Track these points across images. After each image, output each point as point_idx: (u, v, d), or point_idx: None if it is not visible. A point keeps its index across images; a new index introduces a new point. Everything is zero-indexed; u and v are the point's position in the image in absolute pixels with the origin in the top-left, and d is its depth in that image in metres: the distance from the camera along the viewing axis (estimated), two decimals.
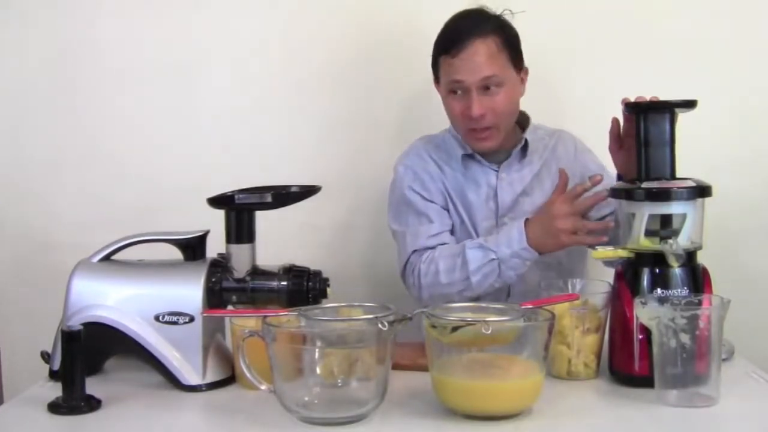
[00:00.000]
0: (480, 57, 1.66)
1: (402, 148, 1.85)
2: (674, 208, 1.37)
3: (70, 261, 1.47)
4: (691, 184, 1.37)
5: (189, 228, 1.48)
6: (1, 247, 2.12)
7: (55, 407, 1.28)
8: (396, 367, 1.27)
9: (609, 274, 1.44)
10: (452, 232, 1.77)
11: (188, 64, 2.10)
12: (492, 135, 1.72)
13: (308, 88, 2.10)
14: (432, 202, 1.76)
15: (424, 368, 1.29)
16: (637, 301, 1.29)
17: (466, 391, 1.21)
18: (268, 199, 1.43)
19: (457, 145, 1.79)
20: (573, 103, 2.08)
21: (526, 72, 1.77)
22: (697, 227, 1.39)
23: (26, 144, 2.12)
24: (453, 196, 1.78)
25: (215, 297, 1.41)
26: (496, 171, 1.78)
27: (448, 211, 1.78)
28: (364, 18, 2.05)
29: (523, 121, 1.82)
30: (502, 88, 1.68)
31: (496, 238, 1.63)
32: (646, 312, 1.27)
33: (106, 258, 1.47)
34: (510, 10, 1.74)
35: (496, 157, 1.78)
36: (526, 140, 1.77)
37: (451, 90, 1.70)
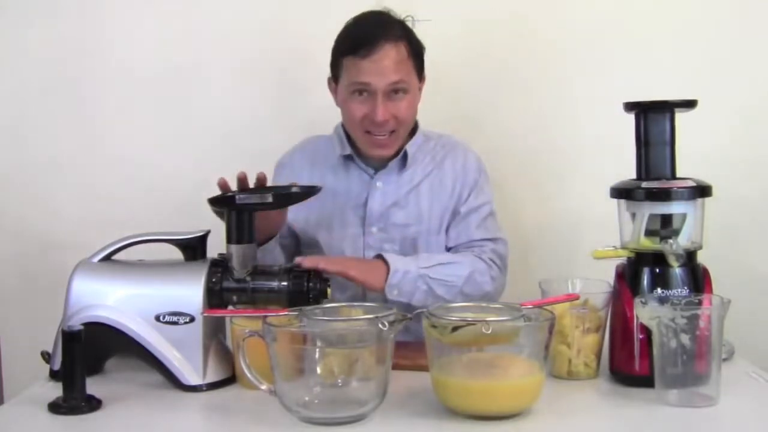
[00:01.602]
0: (390, 61, 1.63)
1: None
2: (674, 207, 1.38)
3: (71, 261, 1.47)
4: (691, 184, 1.37)
5: (189, 228, 1.48)
6: (1, 247, 2.12)
7: (55, 407, 1.28)
8: (396, 367, 1.27)
9: (609, 274, 1.44)
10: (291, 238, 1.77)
11: (189, 64, 2.10)
12: (391, 142, 1.70)
13: (309, 89, 2.09)
14: None
15: (424, 368, 1.29)
16: (637, 300, 1.29)
17: (466, 391, 1.21)
18: (269, 199, 1.43)
19: (339, 144, 1.76)
20: (573, 103, 2.08)
21: (424, 81, 1.74)
22: (697, 227, 1.39)
23: (26, 144, 2.12)
24: (310, 202, 1.67)
25: (216, 297, 1.41)
26: (371, 178, 1.75)
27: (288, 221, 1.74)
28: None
29: (411, 128, 1.77)
30: (407, 95, 1.67)
31: None
32: (647, 312, 1.27)
33: (107, 258, 1.47)
34: (412, 17, 1.72)
35: (376, 162, 1.75)
36: (405, 151, 1.73)
37: (354, 91, 1.66)
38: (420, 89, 1.74)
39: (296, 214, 1.75)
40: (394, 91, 1.65)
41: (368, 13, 1.70)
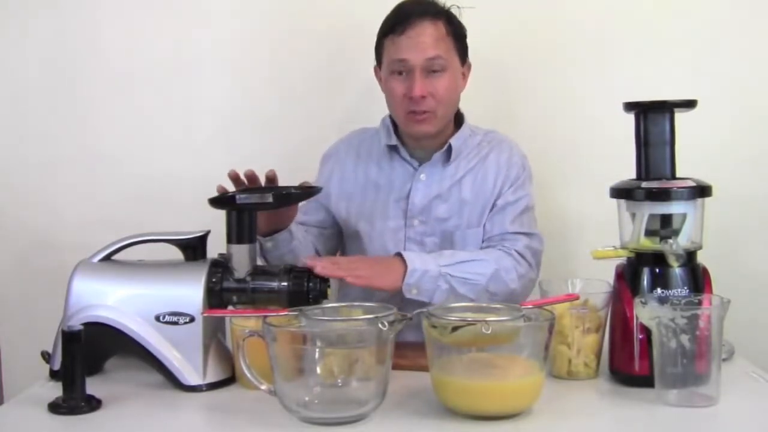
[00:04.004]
0: (427, 37, 1.65)
1: None
2: (674, 207, 1.38)
3: (71, 261, 1.47)
4: (691, 184, 1.37)
5: (189, 228, 1.48)
6: (1, 247, 2.12)
7: (55, 407, 1.28)
8: (396, 367, 1.27)
9: (609, 274, 1.44)
10: (325, 227, 1.81)
11: (189, 64, 2.10)
12: (430, 119, 1.69)
13: (309, 89, 2.09)
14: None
15: (424, 368, 1.29)
16: (637, 300, 1.29)
17: (466, 391, 1.21)
18: (269, 199, 1.43)
19: (385, 134, 1.78)
20: (573, 103, 2.07)
21: (469, 68, 1.77)
22: (697, 227, 1.39)
23: (26, 144, 2.12)
24: (353, 193, 1.78)
25: (216, 297, 1.41)
26: (415, 170, 1.76)
27: (328, 210, 1.80)
28: (368, 18, 2.05)
29: (458, 121, 1.78)
30: (446, 73, 1.67)
31: None
32: (647, 312, 1.27)
33: (107, 258, 1.47)
34: (458, 6, 1.74)
35: (422, 154, 1.75)
36: (449, 145, 1.73)
37: (394, 70, 1.68)
38: (464, 75, 1.75)
39: (338, 205, 1.79)
40: (433, 69, 1.66)
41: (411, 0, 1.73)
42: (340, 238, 1.86)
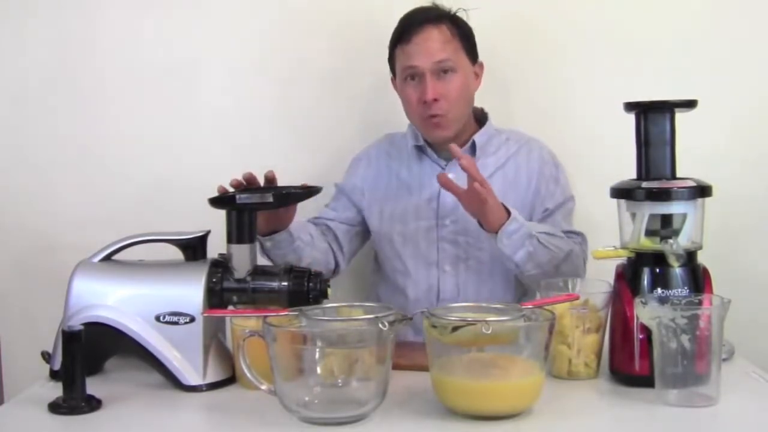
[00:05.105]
0: (433, 42, 1.70)
1: None
2: (674, 207, 1.38)
3: (71, 261, 1.47)
4: (691, 184, 1.37)
5: (190, 228, 1.48)
6: (1, 247, 2.12)
7: (55, 407, 1.28)
8: (396, 367, 1.27)
9: (609, 274, 1.44)
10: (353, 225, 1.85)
11: (189, 63, 2.10)
12: (446, 122, 1.72)
13: (310, 88, 2.09)
14: (345, 193, 1.84)
15: (424, 368, 1.29)
16: (637, 300, 1.29)
17: (466, 391, 1.21)
18: (269, 199, 1.43)
19: (412, 136, 1.81)
20: (573, 104, 2.07)
21: (481, 67, 1.79)
22: (697, 227, 1.39)
23: (26, 144, 2.12)
24: (386, 196, 1.81)
25: (216, 297, 1.41)
26: (443, 169, 1.77)
27: (359, 210, 1.84)
28: (364, 17, 2.05)
29: (481, 118, 1.82)
30: (456, 74, 1.71)
31: None
32: (647, 312, 1.27)
33: (107, 258, 1.47)
34: (464, 9, 1.78)
35: (448, 153, 1.74)
36: (473, 141, 1.77)
37: (407, 77, 1.73)
38: (477, 75, 1.79)
39: (370, 208, 1.83)
40: (443, 70, 1.70)
41: (415, 8, 1.78)
42: (363, 239, 1.89)
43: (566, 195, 1.80)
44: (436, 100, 1.69)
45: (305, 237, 1.71)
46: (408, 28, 1.72)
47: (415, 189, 1.80)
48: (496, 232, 1.57)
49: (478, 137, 1.78)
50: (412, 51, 1.71)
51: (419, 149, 1.81)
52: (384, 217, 1.82)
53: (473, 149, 1.77)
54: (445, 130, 1.73)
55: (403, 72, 1.73)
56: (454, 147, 1.54)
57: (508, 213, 1.57)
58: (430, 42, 1.70)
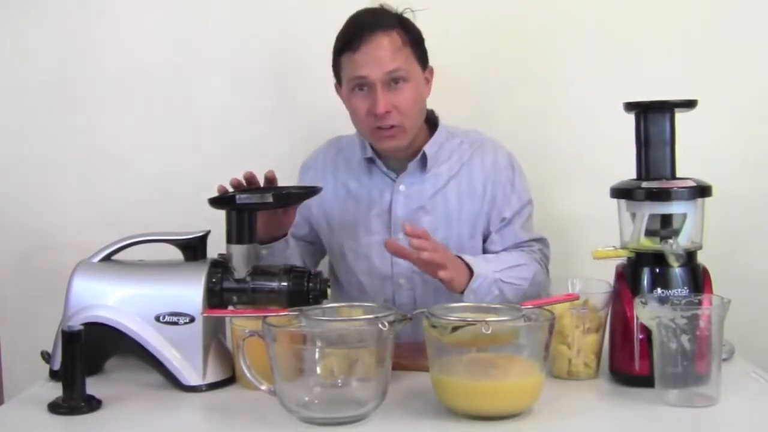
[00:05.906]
0: (384, 50, 1.59)
1: None
2: (674, 207, 1.38)
3: (71, 261, 1.47)
4: (691, 184, 1.37)
5: (190, 228, 1.48)
6: (1, 247, 2.12)
7: (55, 407, 1.28)
8: (396, 367, 1.27)
9: (609, 274, 1.44)
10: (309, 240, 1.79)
11: (188, 64, 2.10)
12: (398, 133, 1.63)
13: (310, 88, 2.09)
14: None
15: (424, 368, 1.29)
16: (637, 301, 1.29)
17: (466, 391, 1.21)
18: (269, 199, 1.43)
19: (360, 147, 1.73)
20: (573, 103, 2.08)
21: (431, 72, 1.70)
22: (697, 227, 1.39)
23: (26, 144, 2.12)
24: (333, 208, 1.73)
25: (216, 297, 1.41)
26: (394, 181, 1.71)
27: (311, 224, 1.78)
28: None
29: (432, 121, 1.73)
30: (408, 84, 1.61)
31: None
32: (647, 312, 1.27)
33: (107, 258, 1.47)
34: (411, 9, 1.67)
35: (398, 164, 1.71)
36: (424, 153, 1.68)
37: (354, 87, 1.62)
38: (427, 81, 1.69)
39: (319, 222, 1.76)
40: (394, 80, 1.60)
41: (360, 10, 1.67)
42: (323, 253, 1.84)
43: (523, 201, 1.72)
44: (387, 112, 1.60)
45: (293, 244, 1.70)
46: (355, 35, 1.60)
47: (365, 201, 1.72)
48: (462, 292, 1.52)
49: (428, 148, 1.69)
50: (360, 60, 1.59)
51: (369, 161, 1.72)
52: (334, 231, 1.75)
53: (424, 161, 1.69)
54: (397, 140, 1.64)
55: (350, 82, 1.62)
56: (409, 227, 1.44)
57: (468, 267, 1.53)
58: (380, 51, 1.58)
